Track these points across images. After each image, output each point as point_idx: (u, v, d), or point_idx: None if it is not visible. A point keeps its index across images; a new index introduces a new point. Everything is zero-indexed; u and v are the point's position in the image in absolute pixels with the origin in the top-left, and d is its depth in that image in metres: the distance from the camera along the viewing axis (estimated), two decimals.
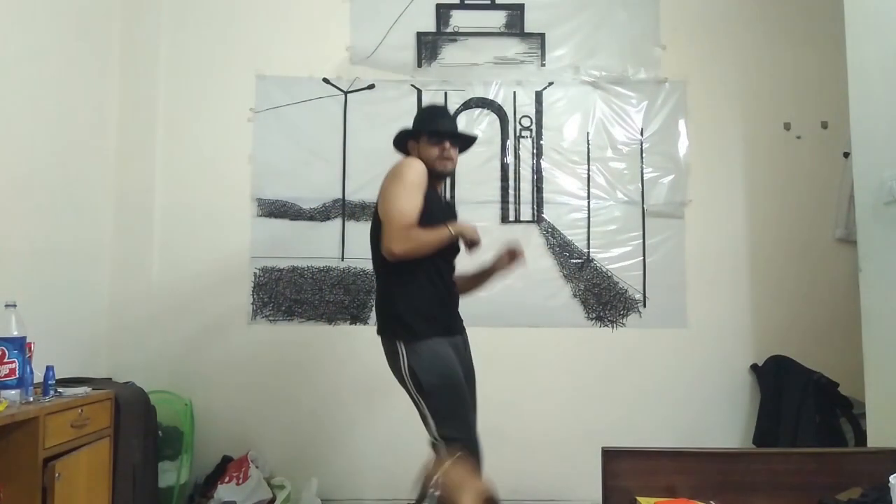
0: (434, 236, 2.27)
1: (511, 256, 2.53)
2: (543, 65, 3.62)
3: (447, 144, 2.43)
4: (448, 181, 3.49)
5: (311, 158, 3.53)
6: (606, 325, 3.52)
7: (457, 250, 2.52)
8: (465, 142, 2.60)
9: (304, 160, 3.53)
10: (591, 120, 3.61)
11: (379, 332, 2.40)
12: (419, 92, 3.58)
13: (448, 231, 2.28)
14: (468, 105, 3.59)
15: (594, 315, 3.52)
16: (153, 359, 3.36)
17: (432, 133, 2.42)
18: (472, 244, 2.33)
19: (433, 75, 3.59)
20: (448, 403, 2.25)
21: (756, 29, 3.65)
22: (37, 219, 2.76)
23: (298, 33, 3.60)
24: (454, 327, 2.43)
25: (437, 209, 2.40)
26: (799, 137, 3.61)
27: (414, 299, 2.31)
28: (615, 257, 3.54)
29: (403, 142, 2.53)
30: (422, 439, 2.29)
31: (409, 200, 2.26)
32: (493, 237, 3.46)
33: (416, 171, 2.31)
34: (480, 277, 2.59)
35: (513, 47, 3.63)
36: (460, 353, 2.41)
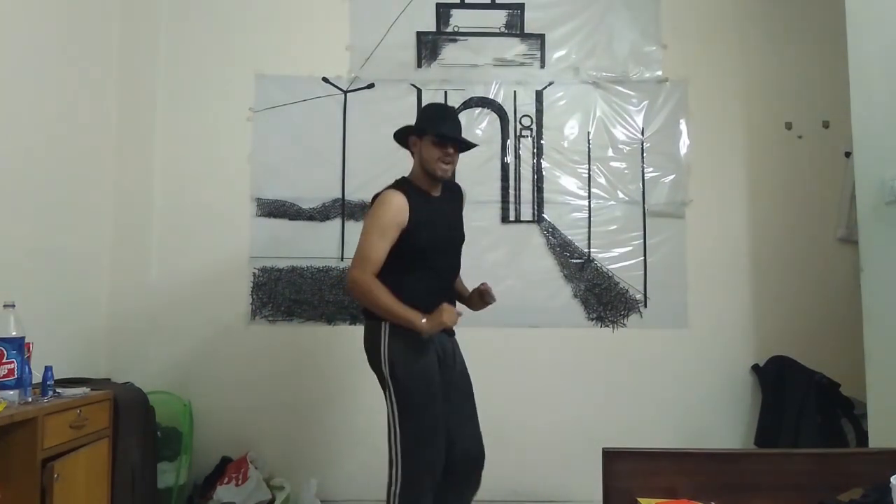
0: (393, 308, 2.24)
1: (482, 299, 2.52)
2: (543, 66, 3.61)
3: (450, 150, 2.39)
4: None
5: (311, 158, 3.52)
6: (607, 326, 3.51)
7: (456, 251, 2.51)
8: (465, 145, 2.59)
9: (303, 160, 3.52)
10: (592, 119, 3.60)
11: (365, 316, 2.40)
12: (419, 91, 3.57)
13: (411, 318, 2.23)
14: (468, 104, 3.58)
15: (595, 315, 3.51)
16: (152, 359, 3.35)
17: (438, 135, 2.39)
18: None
19: (433, 75, 3.59)
20: (417, 399, 2.26)
21: (757, 28, 3.64)
22: (35, 219, 2.75)
23: (298, 32, 3.59)
24: None
25: (430, 227, 2.35)
26: (800, 137, 3.61)
27: (402, 292, 2.28)
28: (616, 257, 3.54)
29: (405, 136, 2.50)
30: None
31: (376, 246, 2.27)
32: (493, 237, 3.52)
33: (394, 209, 2.30)
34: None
35: (513, 47, 3.62)
36: (447, 352, 2.40)
